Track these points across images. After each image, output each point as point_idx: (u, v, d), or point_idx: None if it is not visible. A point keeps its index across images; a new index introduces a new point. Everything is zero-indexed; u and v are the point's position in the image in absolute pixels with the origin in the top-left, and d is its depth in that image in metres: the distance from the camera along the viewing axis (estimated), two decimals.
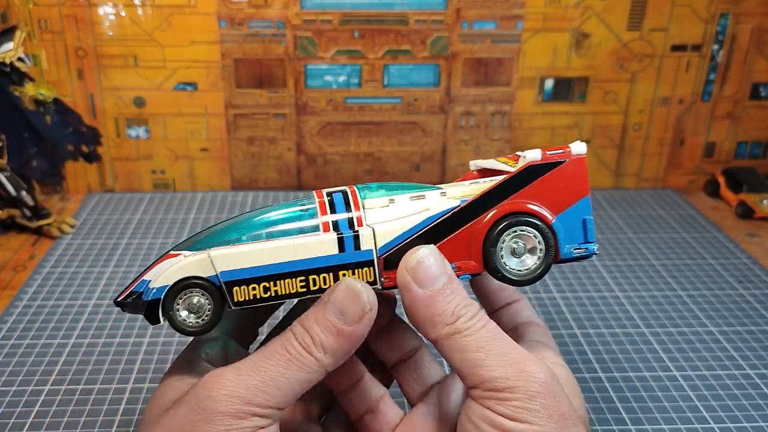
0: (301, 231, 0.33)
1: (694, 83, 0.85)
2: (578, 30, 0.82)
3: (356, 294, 0.31)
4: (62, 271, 0.67)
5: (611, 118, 0.86)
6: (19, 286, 0.65)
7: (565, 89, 0.85)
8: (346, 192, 0.33)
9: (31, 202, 0.73)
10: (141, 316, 0.61)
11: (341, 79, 0.82)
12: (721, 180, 0.86)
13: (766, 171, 0.90)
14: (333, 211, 0.33)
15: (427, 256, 0.32)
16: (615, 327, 0.60)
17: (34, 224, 0.73)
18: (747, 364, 0.56)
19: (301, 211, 0.33)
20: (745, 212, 0.81)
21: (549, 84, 0.84)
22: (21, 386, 0.52)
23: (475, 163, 0.37)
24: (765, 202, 0.81)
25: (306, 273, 0.32)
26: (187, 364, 0.35)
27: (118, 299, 0.33)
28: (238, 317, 0.38)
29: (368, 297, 0.32)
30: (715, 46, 0.83)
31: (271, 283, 0.32)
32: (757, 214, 0.81)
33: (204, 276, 0.32)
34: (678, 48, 0.83)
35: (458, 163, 0.88)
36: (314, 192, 0.34)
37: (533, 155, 0.32)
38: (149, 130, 0.83)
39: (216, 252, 0.32)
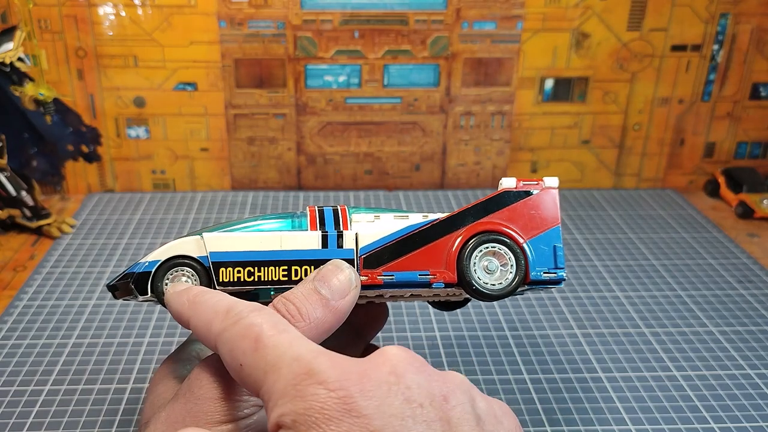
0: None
1: (694, 83, 0.85)
2: (578, 30, 0.82)
3: (343, 270, 0.33)
4: (62, 271, 0.67)
5: (611, 118, 0.86)
6: (19, 286, 0.65)
7: (565, 89, 0.85)
8: (337, 209, 0.36)
9: (31, 202, 0.73)
10: (141, 316, 0.61)
11: (341, 79, 0.82)
12: (721, 180, 0.86)
13: (766, 171, 0.90)
14: (322, 223, 0.35)
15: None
16: (615, 327, 0.60)
17: (34, 224, 0.73)
18: (747, 364, 0.56)
19: (293, 221, 0.35)
20: (745, 212, 0.81)
21: (549, 84, 0.84)
22: (21, 386, 0.52)
23: None
24: (765, 202, 0.81)
25: (289, 263, 0.34)
26: (180, 362, 0.36)
27: (111, 282, 0.35)
28: None
29: (354, 275, 0.33)
30: (715, 46, 0.83)
31: (256, 268, 0.34)
32: (757, 214, 0.81)
33: (194, 256, 0.34)
34: (678, 48, 0.83)
35: (458, 163, 0.88)
36: (308, 207, 0.36)
37: (508, 183, 0.36)
38: (149, 130, 0.83)
39: (209, 234, 0.34)
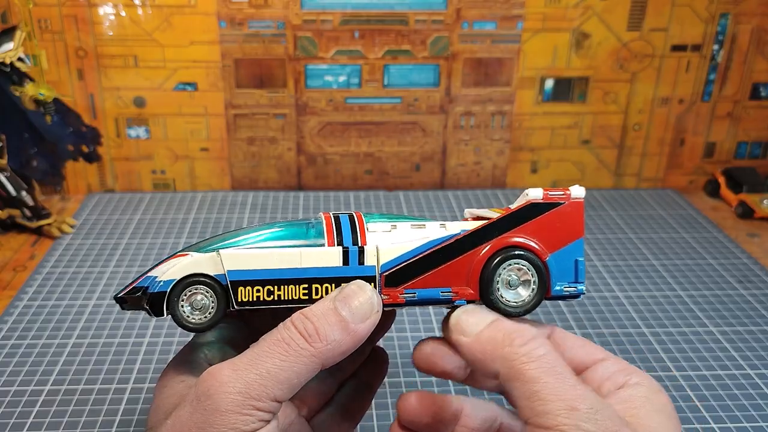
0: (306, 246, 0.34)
1: (694, 83, 0.85)
2: (578, 30, 0.82)
3: (366, 292, 0.32)
4: (62, 271, 0.67)
5: (611, 118, 0.86)
6: (19, 286, 0.65)
7: (565, 89, 0.85)
8: (353, 216, 0.35)
9: (31, 202, 0.73)
10: (141, 316, 0.61)
11: (341, 79, 0.82)
12: (721, 180, 0.86)
13: (766, 171, 0.90)
14: (339, 231, 0.34)
15: (462, 311, 0.33)
16: (615, 327, 0.60)
17: (34, 224, 0.73)
18: (747, 364, 0.56)
19: (308, 228, 0.34)
20: (745, 212, 0.81)
21: (549, 84, 0.84)
22: (21, 386, 0.52)
23: (470, 211, 0.39)
24: (765, 202, 0.81)
25: (310, 281, 0.33)
26: (187, 365, 0.35)
27: (120, 295, 0.34)
28: (237, 328, 0.38)
29: (377, 299, 0.32)
30: (715, 46, 0.83)
31: (275, 287, 0.33)
32: (757, 214, 0.81)
33: (211, 274, 0.33)
34: (678, 48, 0.83)
35: (458, 163, 0.88)
36: (322, 214, 0.35)
37: (535, 194, 0.34)
38: (149, 130, 0.83)
39: (226, 251, 0.33)
